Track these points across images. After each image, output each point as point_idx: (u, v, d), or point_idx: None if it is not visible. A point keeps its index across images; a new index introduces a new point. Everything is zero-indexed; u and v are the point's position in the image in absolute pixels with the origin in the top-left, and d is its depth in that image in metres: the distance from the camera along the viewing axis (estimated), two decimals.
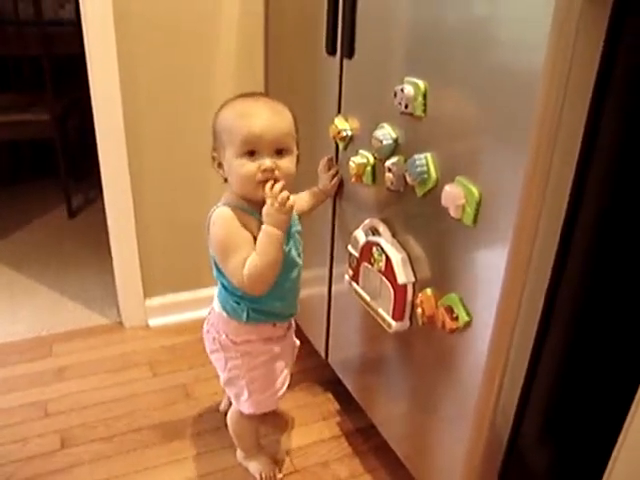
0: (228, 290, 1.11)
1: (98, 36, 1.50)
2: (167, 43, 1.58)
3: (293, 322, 1.24)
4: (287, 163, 1.01)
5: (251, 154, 0.99)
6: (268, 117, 0.99)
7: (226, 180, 1.06)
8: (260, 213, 1.01)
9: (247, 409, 1.19)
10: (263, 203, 1.00)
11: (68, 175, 2.57)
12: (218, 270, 1.09)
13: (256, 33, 1.65)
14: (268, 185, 0.98)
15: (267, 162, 0.98)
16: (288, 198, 0.98)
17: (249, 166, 0.99)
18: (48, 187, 2.80)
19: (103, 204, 1.71)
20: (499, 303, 0.86)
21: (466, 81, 0.86)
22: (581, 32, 0.71)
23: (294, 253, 1.10)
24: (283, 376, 1.20)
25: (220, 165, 1.05)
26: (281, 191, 0.98)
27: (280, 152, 1.01)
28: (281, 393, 1.21)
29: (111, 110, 1.57)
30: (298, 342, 1.29)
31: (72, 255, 2.27)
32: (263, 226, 0.99)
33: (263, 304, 1.10)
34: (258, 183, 1.00)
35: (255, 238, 1.01)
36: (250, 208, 1.03)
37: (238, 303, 1.10)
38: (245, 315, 1.10)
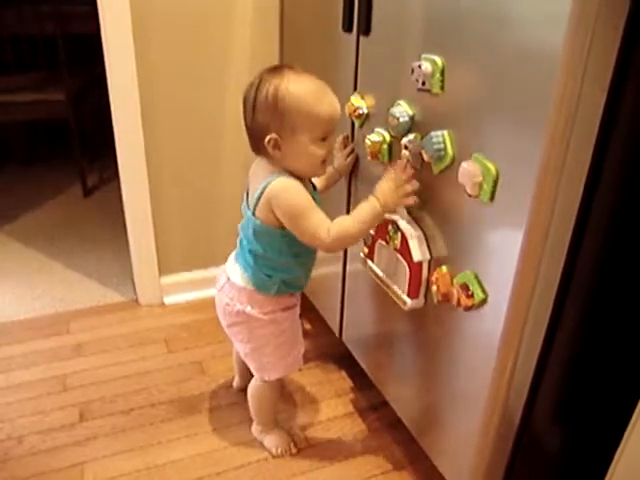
0: (263, 262, 1.12)
1: (114, 15, 1.49)
2: (182, 21, 1.57)
3: None
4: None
5: (325, 139, 1.04)
6: (335, 100, 1.04)
7: (270, 158, 1.07)
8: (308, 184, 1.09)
9: (276, 374, 1.23)
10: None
11: (83, 155, 2.58)
12: (257, 240, 1.10)
13: (272, 10, 1.64)
14: (400, 166, 1.04)
15: (334, 144, 1.10)
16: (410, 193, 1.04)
17: (323, 149, 1.04)
18: (63, 167, 2.82)
19: (118, 183, 1.72)
20: (515, 280, 0.86)
21: (484, 57, 0.85)
22: (602, 9, 0.70)
23: None
24: (300, 336, 1.26)
25: (277, 146, 1.03)
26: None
27: None
28: (302, 351, 1.27)
29: (127, 89, 1.57)
30: None
31: (88, 233, 2.30)
32: (372, 197, 1.05)
33: (294, 276, 1.15)
34: (323, 162, 1.06)
35: None
36: (302, 181, 1.08)
37: (270, 276, 1.13)
38: (275, 288, 1.13)
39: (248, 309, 1.15)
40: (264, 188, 1.05)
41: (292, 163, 1.05)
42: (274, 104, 1.00)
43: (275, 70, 1.03)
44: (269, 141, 1.03)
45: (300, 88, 1.00)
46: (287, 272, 1.13)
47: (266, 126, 1.02)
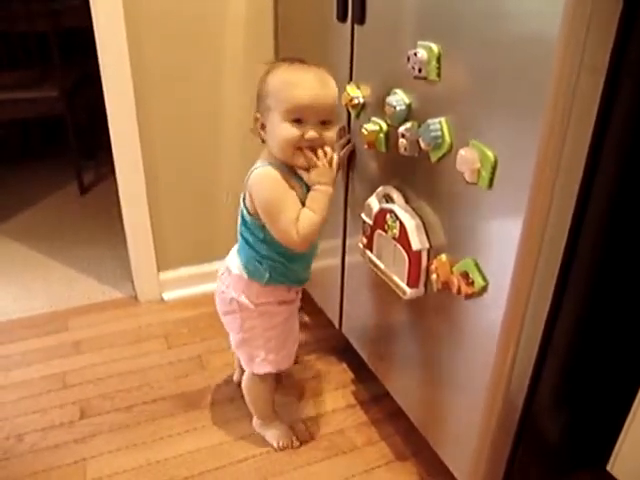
0: (254, 249, 1.12)
1: (106, 9, 1.48)
2: (176, 14, 1.56)
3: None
4: (331, 133, 1.04)
5: (297, 121, 1.01)
6: (316, 89, 1.01)
7: (263, 141, 1.08)
8: (297, 176, 1.06)
9: (263, 369, 1.22)
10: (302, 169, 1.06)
11: (79, 152, 2.56)
12: (248, 228, 1.11)
13: (266, 1, 1.63)
14: (315, 156, 1.03)
15: (311, 133, 1.01)
16: (332, 157, 1.04)
17: (293, 130, 1.01)
18: (59, 164, 2.80)
19: (115, 180, 1.71)
20: (515, 267, 0.86)
21: (481, 44, 0.85)
22: None
23: None
24: (296, 334, 1.26)
25: (263, 127, 1.07)
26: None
27: (324, 122, 1.03)
28: (294, 350, 1.27)
29: (121, 85, 1.56)
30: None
31: (85, 230, 2.29)
32: (316, 186, 1.04)
33: (284, 266, 1.13)
34: (297, 149, 1.03)
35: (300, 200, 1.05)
36: (290, 171, 1.06)
37: (260, 263, 1.12)
38: (267, 276, 1.13)
39: (241, 298, 1.16)
40: (249, 175, 1.07)
41: (273, 146, 1.05)
42: (260, 88, 1.07)
43: (274, 63, 1.08)
44: (255, 120, 1.08)
45: (280, 74, 1.04)
46: (275, 261, 1.12)
47: (256, 109, 1.08)
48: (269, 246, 1.10)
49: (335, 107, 1.05)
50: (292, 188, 1.05)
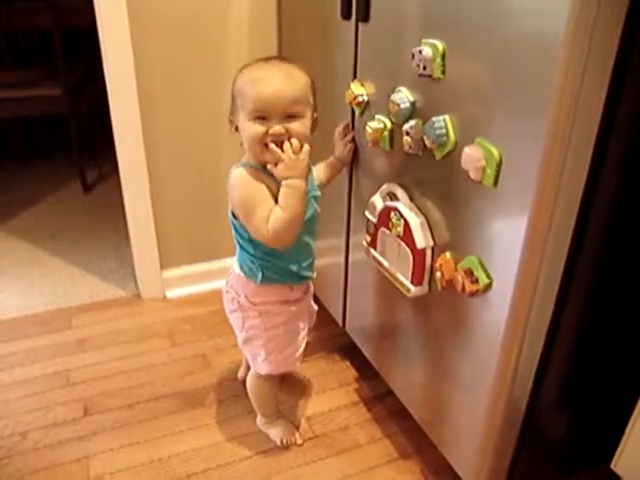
0: (244, 249, 1.12)
1: (110, 7, 1.48)
2: (179, 11, 1.56)
3: (311, 286, 1.25)
4: (298, 126, 1.01)
5: (262, 118, 1.00)
6: (278, 83, 0.99)
7: (242, 143, 1.07)
8: (271, 174, 1.03)
9: (264, 369, 1.21)
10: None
11: (82, 149, 2.57)
12: (235, 229, 1.12)
13: None
14: (282, 147, 1.00)
15: (276, 127, 1.00)
16: (301, 147, 1.01)
17: (257, 127, 1.00)
18: (62, 162, 2.81)
19: (118, 178, 1.72)
20: (520, 265, 0.86)
21: (486, 41, 0.84)
22: None
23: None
24: (300, 337, 1.23)
25: (237, 129, 1.06)
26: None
27: (291, 117, 1.01)
28: (298, 354, 1.24)
29: (125, 82, 1.56)
30: (316, 307, 1.31)
31: (88, 229, 2.29)
32: (284, 182, 1.01)
33: (276, 265, 1.12)
34: (264, 145, 1.01)
35: (274, 197, 1.03)
36: (264, 169, 1.04)
37: (253, 262, 1.12)
38: (260, 276, 1.12)
39: (241, 297, 1.16)
40: (228, 177, 1.07)
41: (245, 146, 1.05)
42: (231, 89, 1.06)
43: (254, 61, 1.06)
44: (230, 122, 1.08)
45: (246, 73, 1.03)
46: (266, 260, 1.11)
47: (230, 112, 1.08)
48: (255, 246, 1.10)
49: (303, 100, 1.02)
50: (267, 186, 1.04)
